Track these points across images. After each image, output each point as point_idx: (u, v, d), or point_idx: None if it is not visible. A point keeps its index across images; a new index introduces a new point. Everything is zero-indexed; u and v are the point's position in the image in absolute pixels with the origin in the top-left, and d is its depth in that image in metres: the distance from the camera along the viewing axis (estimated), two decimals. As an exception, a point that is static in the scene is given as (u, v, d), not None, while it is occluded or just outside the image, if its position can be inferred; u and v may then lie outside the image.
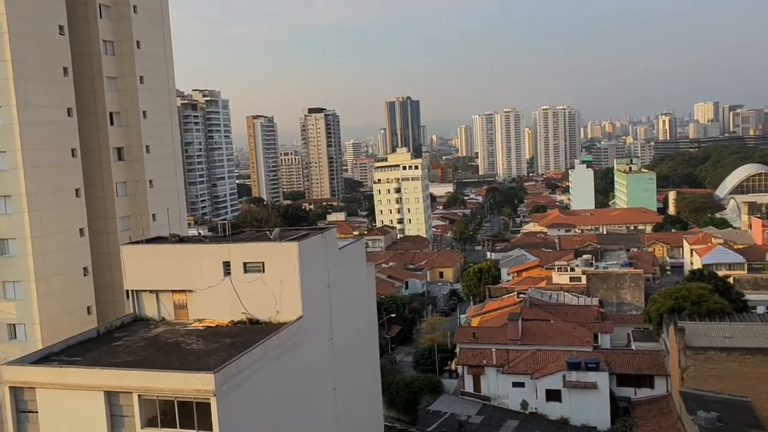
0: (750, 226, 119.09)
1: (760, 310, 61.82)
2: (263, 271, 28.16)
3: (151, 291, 31.03)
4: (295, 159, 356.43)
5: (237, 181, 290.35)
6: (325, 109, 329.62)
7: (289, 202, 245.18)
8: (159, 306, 30.58)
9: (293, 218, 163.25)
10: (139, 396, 23.96)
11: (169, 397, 23.66)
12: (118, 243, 36.30)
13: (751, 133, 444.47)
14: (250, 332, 27.17)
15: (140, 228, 36.14)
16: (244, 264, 28.45)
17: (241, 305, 28.09)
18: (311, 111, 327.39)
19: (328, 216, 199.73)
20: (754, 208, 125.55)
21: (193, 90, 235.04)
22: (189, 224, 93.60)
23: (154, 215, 40.51)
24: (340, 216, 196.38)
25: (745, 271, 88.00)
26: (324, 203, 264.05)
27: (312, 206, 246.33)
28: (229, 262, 28.55)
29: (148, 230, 37.66)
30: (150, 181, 41.19)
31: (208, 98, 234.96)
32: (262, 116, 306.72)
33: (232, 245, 28.88)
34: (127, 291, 31.63)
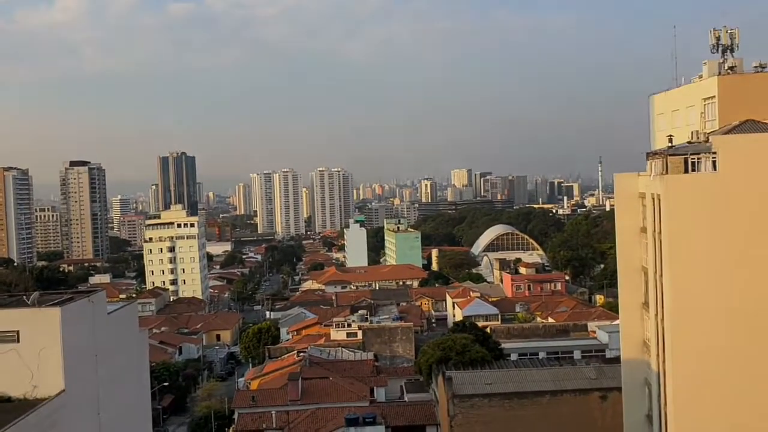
0: (501, 281, 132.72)
1: (514, 357, 68.43)
2: (18, 341, 25.01)
3: None
4: (53, 216, 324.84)
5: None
6: (89, 162, 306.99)
7: (44, 263, 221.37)
8: None
9: (50, 281, 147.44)
10: None
11: None
12: None
13: (499, 197, 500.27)
14: (1, 412, 23.78)
15: None
16: (-7, 334, 25.05)
17: (-12, 382, 24.56)
18: (73, 164, 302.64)
19: (90, 278, 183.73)
20: (504, 265, 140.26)
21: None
22: None
23: None
24: (105, 278, 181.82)
25: (500, 322, 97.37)
26: (86, 264, 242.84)
27: (72, 267, 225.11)
28: (-27, 332, 24.92)
29: None
30: None
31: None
32: (15, 168, 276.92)
33: (-23, 313, 25.33)
34: None
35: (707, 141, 32.39)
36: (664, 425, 33.76)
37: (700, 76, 39.67)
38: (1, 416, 23.22)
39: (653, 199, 33.85)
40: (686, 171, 32.51)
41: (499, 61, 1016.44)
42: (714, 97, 37.37)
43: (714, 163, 31.62)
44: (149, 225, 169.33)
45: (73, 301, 27.13)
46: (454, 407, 46.71)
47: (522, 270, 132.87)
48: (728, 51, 39.36)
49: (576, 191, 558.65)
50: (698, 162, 32.40)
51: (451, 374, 49.66)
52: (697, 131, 33.83)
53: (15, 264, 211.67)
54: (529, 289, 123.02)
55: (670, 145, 33.15)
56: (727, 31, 39.28)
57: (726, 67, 38.24)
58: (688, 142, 34.03)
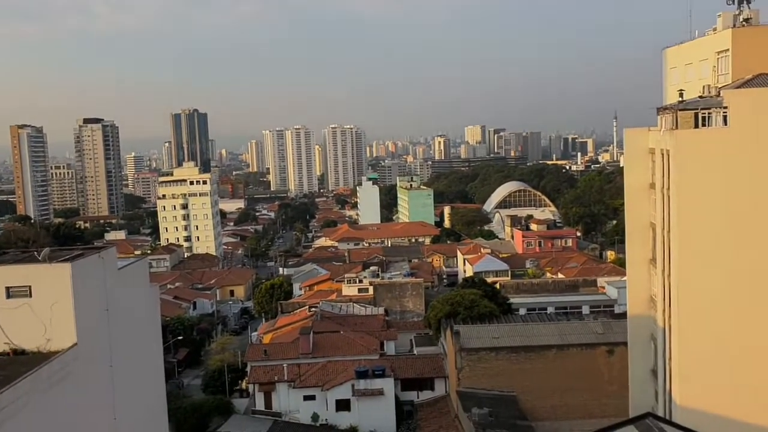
0: (512, 237, 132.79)
1: (522, 311, 68.89)
2: (30, 296, 25.52)
3: None
4: (68, 173, 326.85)
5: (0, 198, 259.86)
6: (102, 120, 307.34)
7: (61, 220, 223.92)
8: None
9: (66, 238, 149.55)
10: None
11: None
12: None
13: (512, 154, 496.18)
14: (16, 364, 24.45)
15: None
16: (7, 289, 25.51)
17: (3, 335, 25.19)
18: (87, 121, 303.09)
19: (106, 235, 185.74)
20: (515, 221, 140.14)
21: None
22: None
23: None
24: (120, 234, 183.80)
25: (509, 278, 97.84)
26: (102, 221, 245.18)
27: (88, 224, 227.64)
28: (-13, 287, 25.44)
29: None
30: None
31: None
32: (29, 126, 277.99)
33: (-10, 268, 25.83)
34: None
35: (718, 95, 31.89)
36: (669, 380, 34.14)
37: (715, 29, 38.79)
38: (16, 368, 23.94)
39: (663, 154, 33.55)
40: (696, 126, 32.11)
41: (517, 15, 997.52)
42: (728, 50, 36.59)
43: (725, 118, 31.19)
44: (162, 182, 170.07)
45: (84, 257, 27.55)
46: (462, 360, 47.46)
47: (533, 226, 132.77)
48: (744, 2, 38.37)
49: (590, 147, 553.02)
50: (709, 117, 31.96)
51: (459, 328, 50.32)
52: (709, 85, 33.28)
53: (32, 221, 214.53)
54: (539, 245, 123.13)
55: (680, 99, 32.67)
56: (744, -19, 38.27)
57: (741, 19, 37.36)
58: (700, 97, 33.53)
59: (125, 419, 28.98)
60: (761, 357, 31.43)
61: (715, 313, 31.83)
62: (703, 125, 32.10)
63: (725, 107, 30.87)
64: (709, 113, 31.84)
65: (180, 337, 74.10)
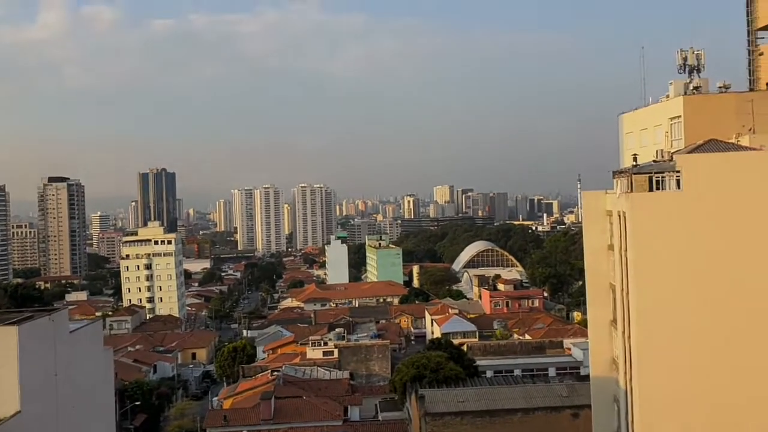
0: (480, 297, 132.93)
1: (489, 373, 68.27)
2: (-28, 361, 24.61)
3: None
4: (30, 232, 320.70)
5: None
6: (68, 179, 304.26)
7: (20, 280, 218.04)
8: None
9: (24, 298, 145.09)
10: None
11: None
12: None
13: (480, 214, 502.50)
14: (-47, 434, 23.28)
15: None
16: (-50, 353, 24.53)
17: (-57, 402, 24.03)
18: (52, 180, 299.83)
19: (67, 296, 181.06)
20: (483, 281, 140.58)
21: None
22: None
23: None
24: (82, 295, 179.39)
25: (477, 339, 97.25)
26: (63, 281, 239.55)
27: (49, 285, 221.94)
28: (-73, 352, 24.36)
29: None
30: None
31: None
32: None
33: (-68, 332, 24.77)
34: None
35: (671, 160, 32.86)
36: (632, 443, 33.82)
37: (668, 96, 40.36)
38: (-47, 438, 22.78)
39: (619, 216, 34.19)
40: (651, 189, 32.90)
41: (483, 76, 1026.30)
42: (680, 116, 38.05)
43: (678, 181, 32.05)
44: (126, 242, 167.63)
45: (33, 320, 26.72)
46: (426, 425, 46.58)
47: (500, 286, 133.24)
48: (695, 71, 40.15)
49: (556, 208, 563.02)
50: (663, 180, 32.81)
51: (424, 392, 49.56)
52: (662, 150, 34.34)
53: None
54: (507, 305, 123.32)
55: (634, 164, 33.57)
56: (693, 52, 40.11)
57: (691, 88, 38.98)
58: (654, 161, 34.49)
59: (70, 492, 27.63)
60: (723, 418, 31.42)
61: (675, 375, 31.88)
62: (658, 188, 32.91)
63: (678, 171, 31.76)
64: (662, 177, 32.69)
65: (138, 403, 71.57)
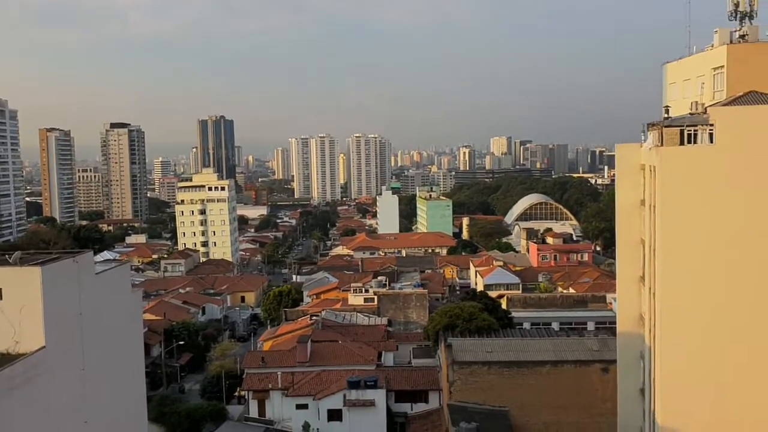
0: (528, 250, 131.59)
1: (526, 326, 68.14)
2: (0, 298, 25.99)
3: None
4: (94, 176, 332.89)
5: (27, 199, 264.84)
6: (129, 125, 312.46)
7: (84, 222, 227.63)
8: None
9: (86, 240, 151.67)
10: None
11: None
12: None
13: (538, 166, 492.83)
14: (-17, 365, 24.85)
15: None
16: (-23, 291, 26.01)
17: (-25, 336, 25.63)
18: (113, 126, 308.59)
19: (127, 238, 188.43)
20: (531, 234, 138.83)
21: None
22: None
23: None
24: (141, 238, 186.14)
25: (520, 291, 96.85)
26: (125, 224, 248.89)
27: (111, 227, 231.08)
28: (-46, 288, 25.92)
29: None
30: None
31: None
32: (58, 129, 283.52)
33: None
34: None
35: (706, 113, 31.31)
36: (653, 400, 33.43)
37: (712, 45, 38.16)
38: (-19, 369, 24.38)
39: (651, 170, 33.01)
40: (682, 143, 31.53)
41: (549, 25, 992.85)
42: (723, 66, 35.99)
43: (711, 135, 30.59)
44: (181, 187, 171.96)
45: (57, 261, 27.93)
46: (454, 373, 47.03)
47: (549, 240, 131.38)
48: (746, 18, 37.69)
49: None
50: (695, 134, 31.37)
51: (452, 341, 49.91)
52: (697, 102, 32.69)
53: (56, 222, 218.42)
54: (555, 259, 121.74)
55: (666, 116, 32.13)
56: (745, -4, 37.61)
57: (737, 36, 36.71)
58: (689, 113, 32.94)
59: (98, 422, 29.24)
60: (743, 379, 30.64)
61: (699, 333, 31.14)
62: (690, 142, 31.51)
63: (711, 124, 30.28)
64: (695, 130, 31.25)
65: (182, 342, 74.57)
